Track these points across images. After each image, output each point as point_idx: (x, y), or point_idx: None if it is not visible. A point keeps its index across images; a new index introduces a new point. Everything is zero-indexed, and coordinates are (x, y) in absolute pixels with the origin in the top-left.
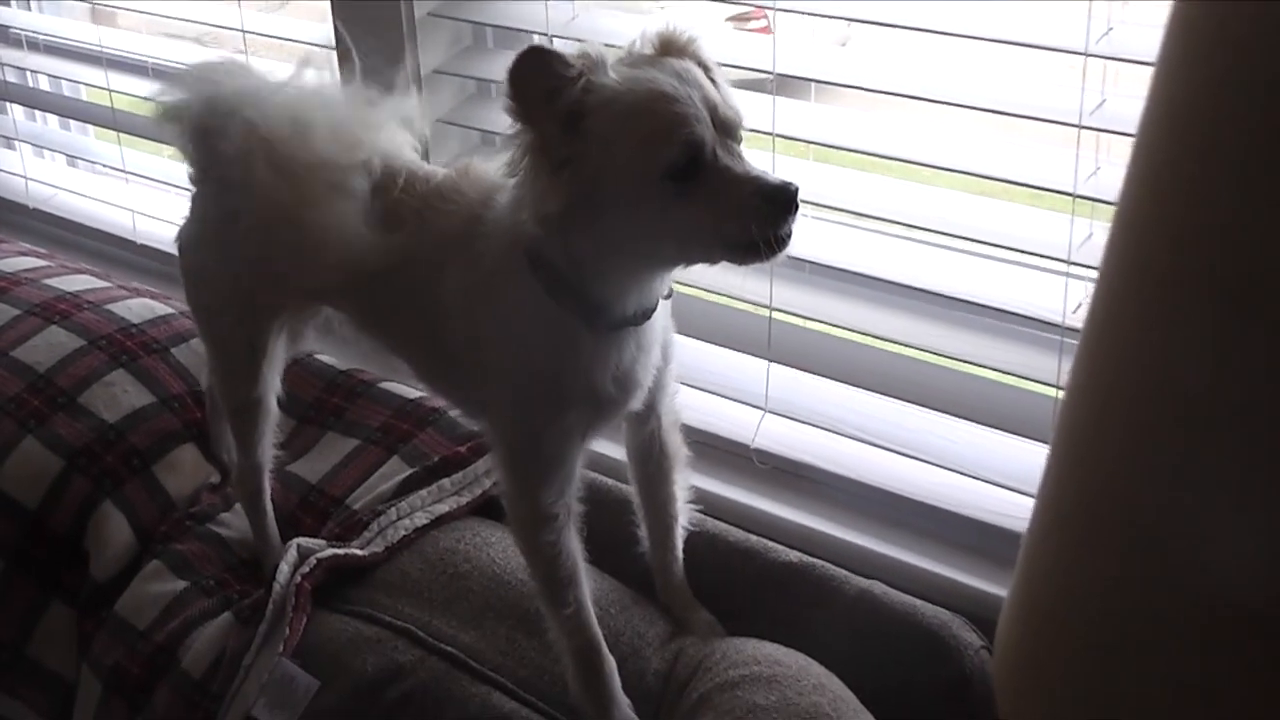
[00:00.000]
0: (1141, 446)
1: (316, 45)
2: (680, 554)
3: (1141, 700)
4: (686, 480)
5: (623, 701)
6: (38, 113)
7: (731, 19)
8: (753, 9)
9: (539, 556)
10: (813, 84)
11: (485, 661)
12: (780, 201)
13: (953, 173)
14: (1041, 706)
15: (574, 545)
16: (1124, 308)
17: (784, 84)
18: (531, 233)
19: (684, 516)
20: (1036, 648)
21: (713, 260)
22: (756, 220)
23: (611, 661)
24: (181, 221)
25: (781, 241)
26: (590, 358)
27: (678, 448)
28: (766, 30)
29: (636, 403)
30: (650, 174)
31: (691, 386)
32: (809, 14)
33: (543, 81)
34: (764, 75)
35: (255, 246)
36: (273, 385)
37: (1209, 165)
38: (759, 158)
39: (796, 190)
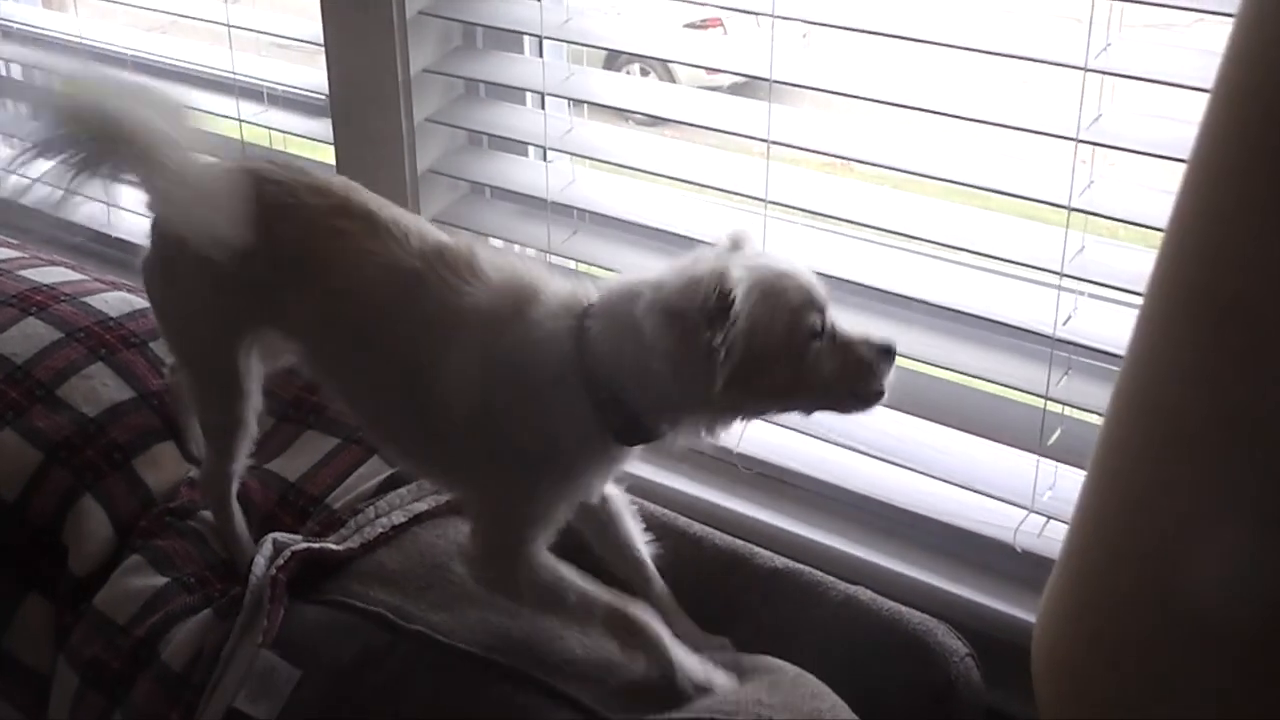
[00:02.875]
0: (1176, 484)
1: (303, 41)
2: (661, 582)
3: (1180, 708)
4: (632, 511)
5: (677, 646)
6: (9, 102)
7: (690, 25)
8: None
9: (519, 590)
10: (790, 89)
11: (453, 635)
12: (890, 355)
13: (948, 183)
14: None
15: (548, 558)
16: (1165, 329)
17: (757, 89)
18: (609, 373)
19: (646, 546)
20: (1074, 657)
21: (836, 407)
22: (876, 372)
23: (648, 612)
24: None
25: (880, 394)
26: (614, 461)
27: (612, 491)
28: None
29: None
30: (800, 341)
31: None
32: (795, 19)
33: (717, 305)
34: (750, 79)
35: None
36: (253, 405)
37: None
38: (751, 164)
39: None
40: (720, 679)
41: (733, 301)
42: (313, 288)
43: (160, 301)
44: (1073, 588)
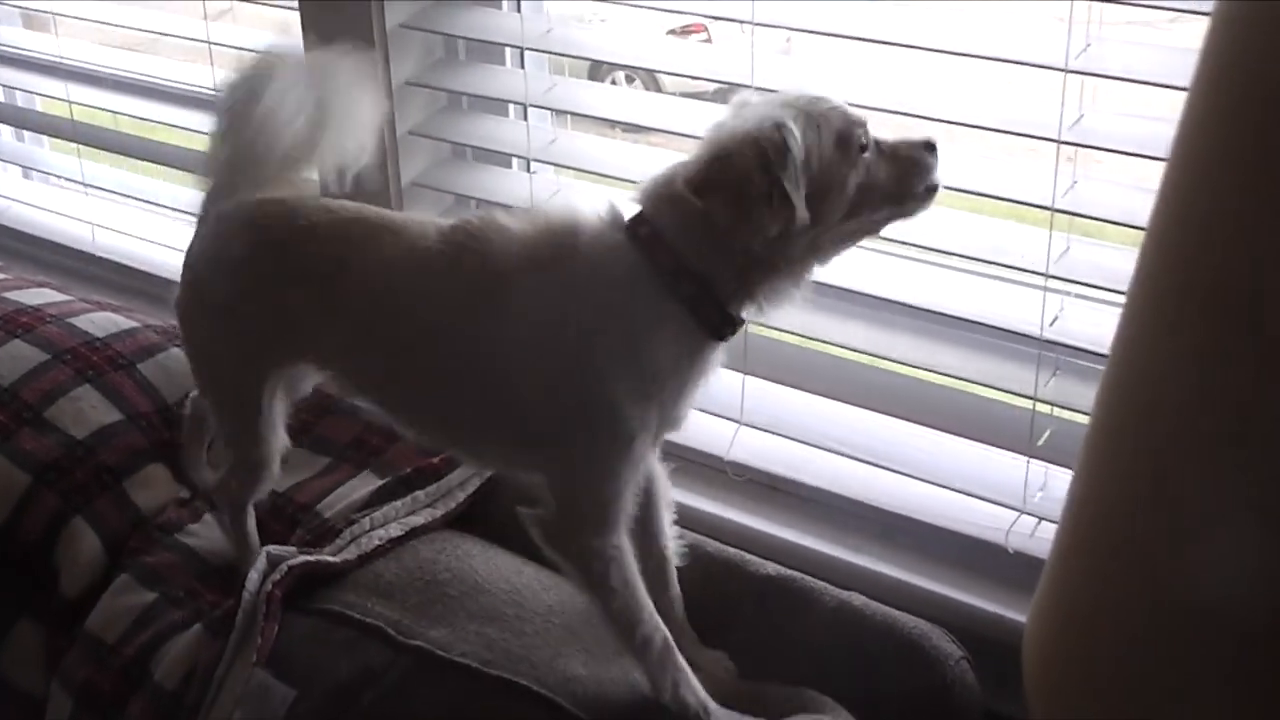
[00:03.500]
0: (1164, 481)
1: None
2: (678, 590)
3: (1170, 710)
4: (672, 509)
5: (708, 695)
6: None
7: (673, 31)
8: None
9: (609, 566)
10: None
11: (451, 650)
12: (933, 148)
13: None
14: (1071, 714)
15: (630, 548)
16: (1148, 326)
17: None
18: (684, 250)
19: (676, 549)
20: (1065, 661)
21: (902, 212)
22: (927, 165)
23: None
24: (178, 287)
25: (935, 189)
26: (702, 363)
27: (662, 474)
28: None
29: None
30: (853, 153)
31: None
32: (776, 26)
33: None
34: (732, 87)
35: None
36: (277, 447)
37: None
38: None
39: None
40: None
41: (789, 135)
42: (343, 299)
43: (191, 339)
44: (1061, 589)
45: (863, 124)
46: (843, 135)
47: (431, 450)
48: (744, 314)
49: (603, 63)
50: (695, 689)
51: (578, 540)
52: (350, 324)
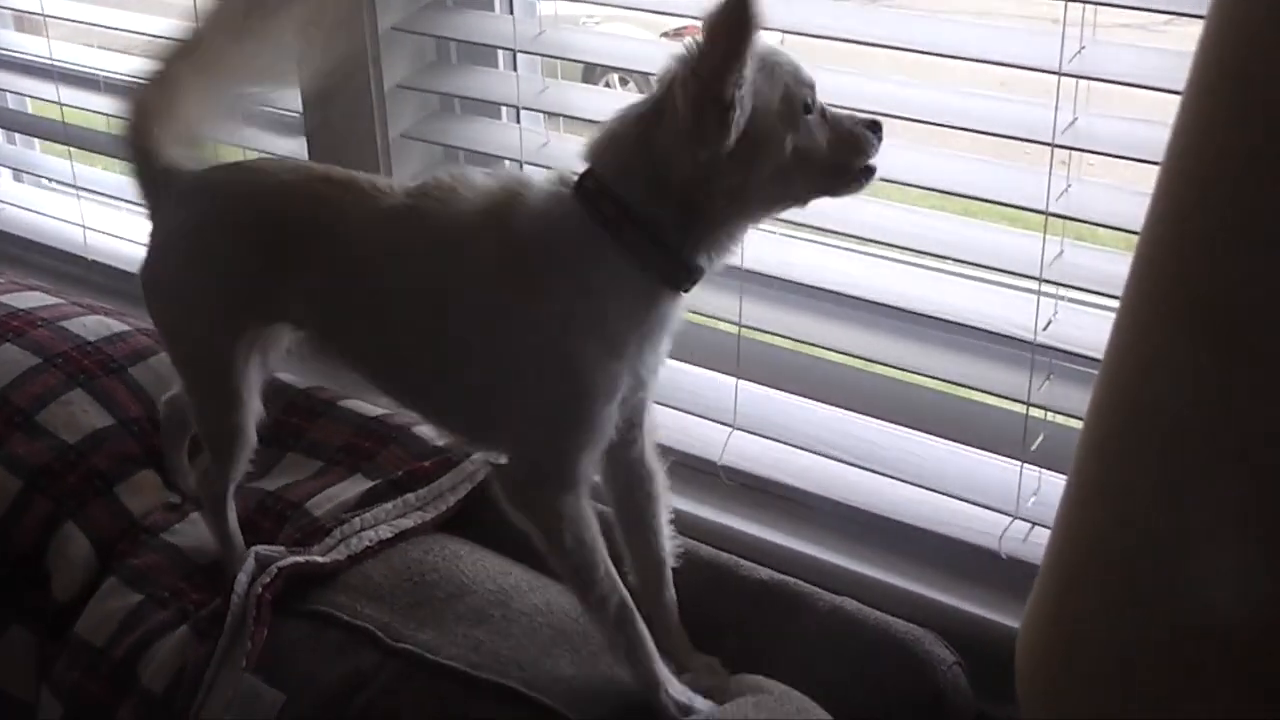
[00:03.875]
0: (1157, 487)
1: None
2: (673, 592)
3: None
4: (669, 505)
5: (664, 668)
6: None
7: (667, 33)
8: (689, 24)
9: (563, 523)
10: None
11: (440, 653)
12: (878, 129)
13: (924, 189)
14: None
15: (591, 508)
16: (1141, 331)
17: None
18: (625, 194)
19: (672, 551)
20: (1059, 666)
21: (834, 187)
22: (865, 144)
23: (645, 628)
24: (145, 259)
25: (871, 171)
26: (661, 316)
27: (659, 471)
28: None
29: (645, 393)
30: (796, 112)
31: (659, 403)
32: (769, 28)
33: (745, 37)
34: None
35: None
36: (253, 410)
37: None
38: None
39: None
40: (701, 703)
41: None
42: (312, 256)
43: (159, 309)
44: (1055, 594)
45: (811, 85)
46: (790, 89)
47: (422, 454)
48: (697, 261)
49: (596, 65)
50: (650, 658)
51: (535, 496)
52: (319, 282)
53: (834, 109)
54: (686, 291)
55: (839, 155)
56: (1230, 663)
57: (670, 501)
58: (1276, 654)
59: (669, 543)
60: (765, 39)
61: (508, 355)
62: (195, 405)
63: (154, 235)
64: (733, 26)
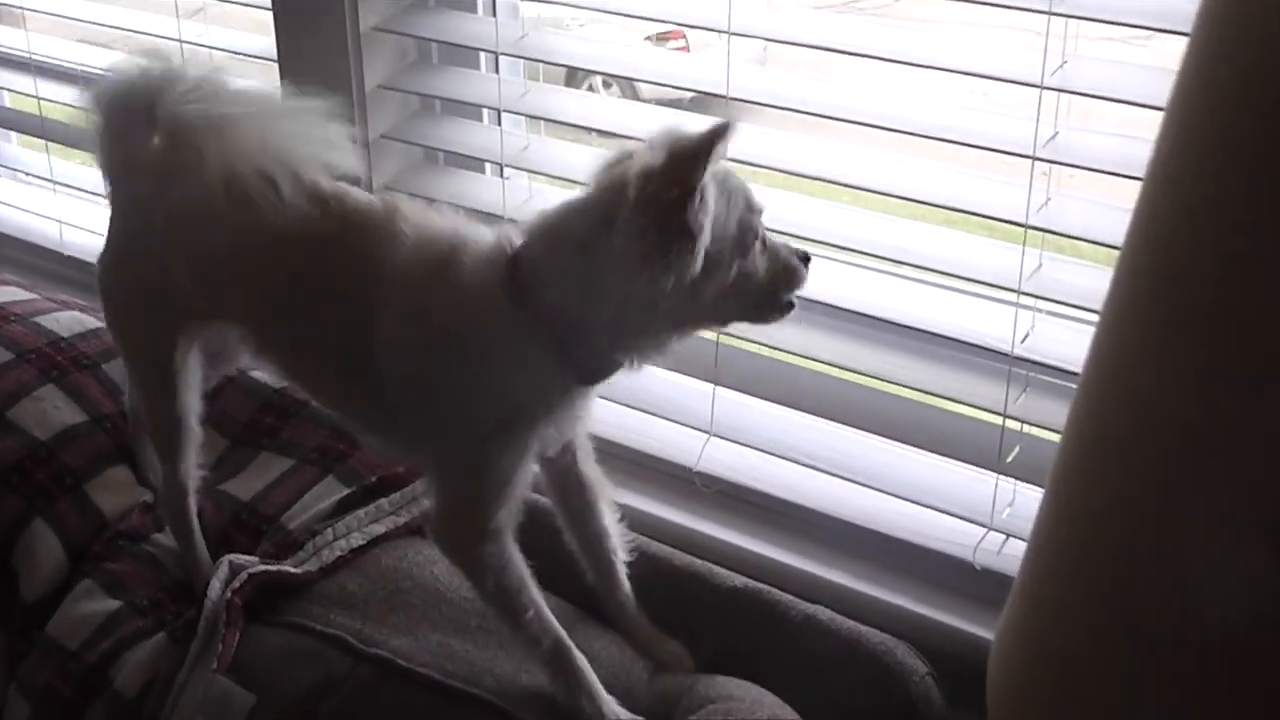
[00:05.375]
0: (1133, 502)
1: (256, 57)
2: (628, 587)
3: None
4: (614, 508)
5: (607, 694)
6: None
7: (651, 37)
8: (672, 28)
9: (484, 570)
10: (747, 105)
11: (413, 660)
12: (808, 261)
13: (904, 200)
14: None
15: (518, 554)
16: (1121, 345)
17: (714, 104)
18: (552, 298)
19: (622, 546)
20: (1031, 682)
21: (757, 315)
22: (797, 277)
23: (583, 657)
24: (101, 255)
25: (793, 305)
26: (571, 404)
27: (598, 476)
28: (685, 50)
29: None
30: (747, 240)
31: (636, 409)
32: (752, 36)
33: (700, 169)
34: (709, 95)
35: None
36: (192, 406)
37: (1205, 206)
38: None
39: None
40: None
41: (703, 183)
42: (236, 265)
43: (109, 296)
44: (1029, 608)
45: (760, 211)
46: (745, 218)
47: (395, 459)
48: (613, 363)
49: (579, 70)
50: (594, 695)
51: (457, 539)
52: (243, 290)
53: (772, 239)
54: (597, 384)
55: (773, 285)
56: (1212, 677)
57: (614, 501)
58: (1263, 668)
59: (618, 541)
60: (725, 167)
61: (420, 408)
62: (140, 395)
63: (110, 225)
64: (700, 156)
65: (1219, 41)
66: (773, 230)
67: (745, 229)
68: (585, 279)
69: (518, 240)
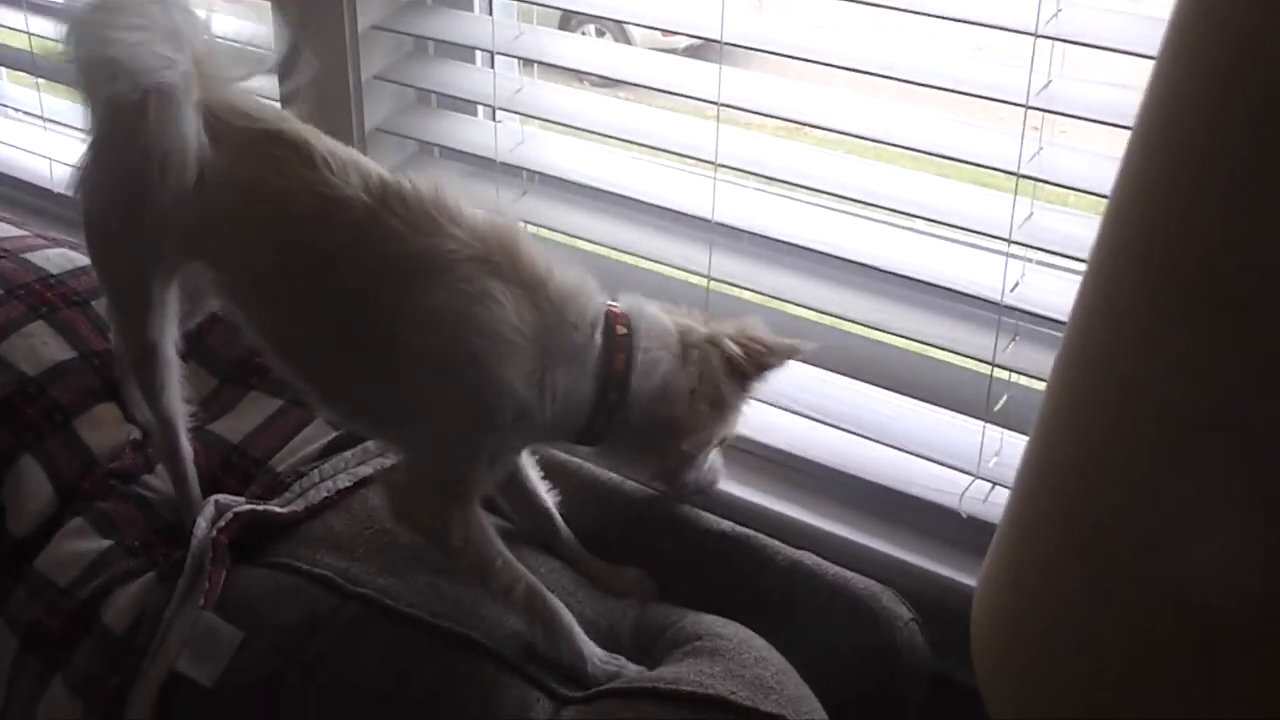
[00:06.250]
0: (1115, 453)
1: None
2: (567, 530)
3: (1115, 695)
4: (534, 463)
5: (583, 634)
6: None
7: None
8: None
9: (449, 531)
10: (744, 52)
11: (400, 600)
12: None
13: (896, 148)
14: (1019, 698)
15: (480, 509)
16: (1104, 316)
17: (710, 51)
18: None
19: (547, 492)
20: (1013, 627)
21: (666, 482)
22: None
23: (557, 600)
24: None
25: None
26: (556, 444)
27: None
28: None
29: None
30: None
31: None
32: None
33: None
34: (705, 41)
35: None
36: (168, 333)
37: (1193, 184)
38: (701, 126)
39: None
40: (631, 670)
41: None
42: (239, 213)
43: (91, 223)
44: (1010, 556)
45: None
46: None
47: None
48: (600, 443)
49: (573, 13)
50: (571, 635)
51: (422, 504)
52: (241, 237)
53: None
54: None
55: (708, 471)
56: (1191, 625)
57: (533, 463)
58: (1241, 616)
59: (547, 495)
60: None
61: (425, 388)
62: (115, 324)
63: (93, 151)
64: (783, 358)
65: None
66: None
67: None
68: (664, 385)
69: (600, 293)
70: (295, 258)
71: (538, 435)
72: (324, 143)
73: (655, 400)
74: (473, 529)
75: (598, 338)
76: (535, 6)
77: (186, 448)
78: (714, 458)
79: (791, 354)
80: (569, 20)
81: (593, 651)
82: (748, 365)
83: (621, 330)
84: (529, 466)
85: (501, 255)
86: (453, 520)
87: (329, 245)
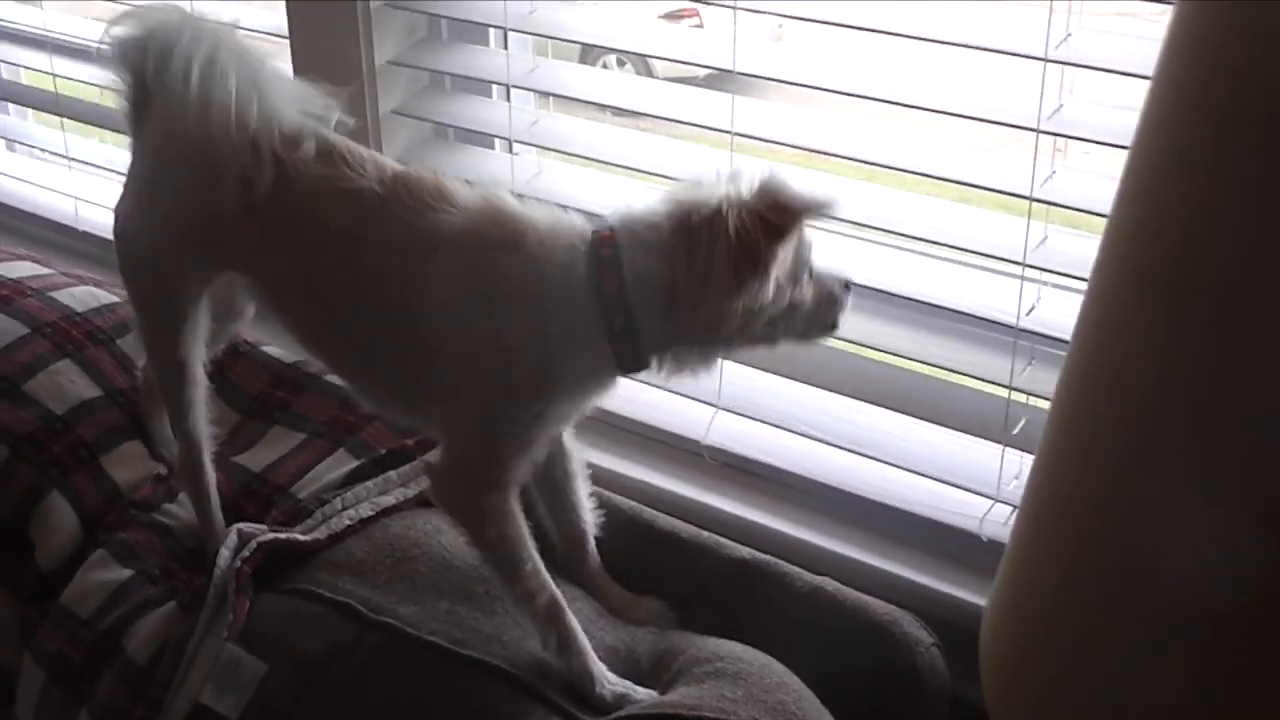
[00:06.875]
0: (1114, 452)
1: (267, 34)
2: (598, 558)
3: (1122, 694)
4: (587, 481)
5: (594, 655)
6: None
7: (665, 16)
8: (686, 6)
9: (485, 519)
10: (761, 81)
11: (421, 628)
12: (850, 289)
13: (910, 174)
14: (1027, 704)
15: (519, 509)
16: (1106, 318)
17: (728, 81)
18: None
19: (593, 519)
20: (1021, 648)
21: (805, 337)
22: (840, 303)
23: (575, 619)
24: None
25: (836, 327)
26: (601, 388)
27: (575, 449)
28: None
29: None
30: (800, 271)
31: (645, 383)
32: (761, 11)
33: (799, 223)
34: (720, 72)
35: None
36: (197, 352)
37: (1177, 178)
38: (715, 155)
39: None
40: (641, 695)
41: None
42: (265, 215)
43: (124, 239)
44: (1017, 575)
45: (811, 245)
46: (801, 253)
47: (407, 430)
48: (653, 362)
49: (594, 46)
50: (583, 653)
51: (462, 491)
52: (273, 240)
53: (817, 266)
54: (627, 376)
55: (819, 311)
56: (1195, 636)
57: (586, 473)
58: (1239, 626)
59: (590, 514)
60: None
61: (455, 365)
62: (145, 342)
63: (130, 168)
64: (805, 213)
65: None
66: None
67: (801, 263)
68: (664, 288)
69: (584, 224)
70: (319, 246)
71: (568, 389)
72: (342, 142)
73: (668, 308)
74: (508, 524)
75: (583, 269)
76: (551, 41)
77: (210, 470)
78: (814, 290)
79: (804, 212)
80: (589, 52)
81: (603, 674)
82: (757, 236)
83: (607, 252)
84: (580, 479)
85: (488, 221)
86: (489, 509)
87: (349, 231)
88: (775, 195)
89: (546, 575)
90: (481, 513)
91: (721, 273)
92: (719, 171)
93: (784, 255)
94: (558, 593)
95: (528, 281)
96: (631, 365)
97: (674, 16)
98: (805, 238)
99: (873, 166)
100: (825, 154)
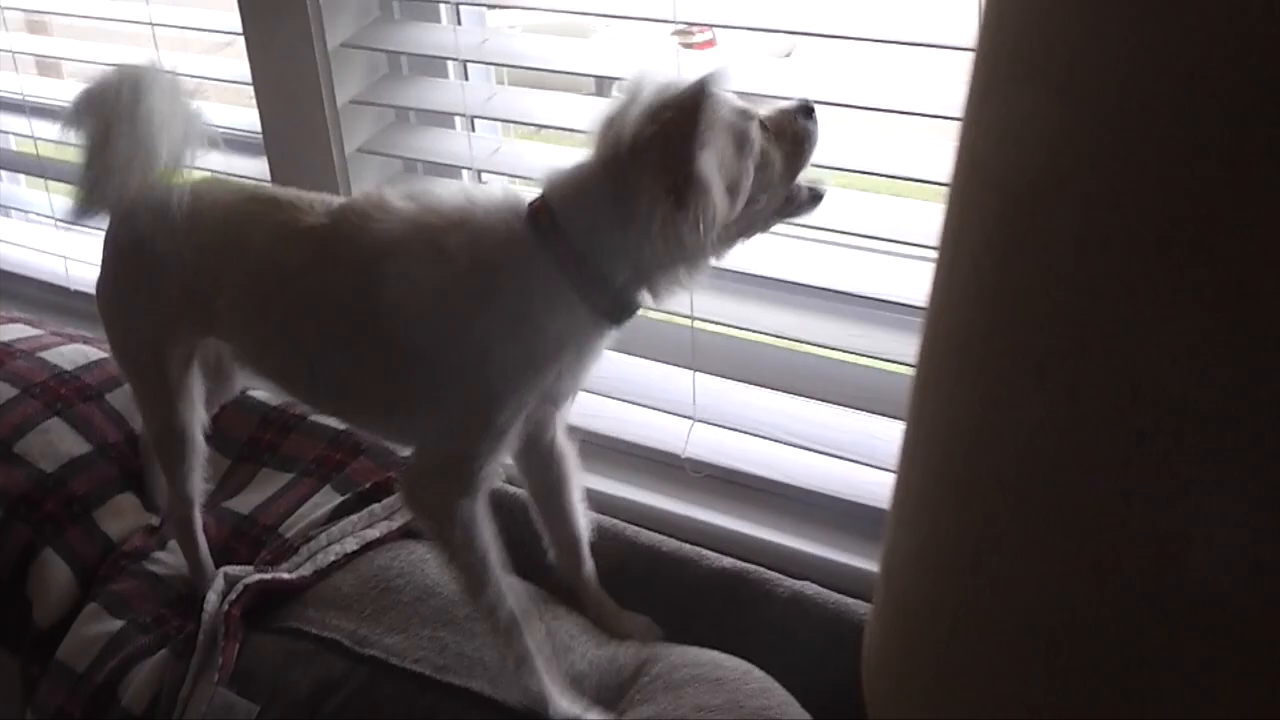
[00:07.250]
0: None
1: (226, 32)
2: (592, 566)
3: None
4: (582, 488)
5: (553, 687)
6: None
7: (676, 34)
8: (697, 26)
9: (454, 524)
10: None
11: (405, 657)
12: (811, 111)
13: (896, 179)
14: (910, 706)
15: (488, 518)
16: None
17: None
18: (584, 243)
19: (587, 527)
20: (903, 649)
21: (792, 208)
22: (809, 134)
23: (539, 638)
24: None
25: (820, 197)
26: (593, 346)
27: (570, 453)
28: (710, 44)
29: (558, 403)
30: (747, 148)
31: (620, 400)
32: (756, 29)
33: (698, 130)
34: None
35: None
36: (194, 418)
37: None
38: None
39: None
40: (594, 716)
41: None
42: (230, 273)
43: (110, 318)
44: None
45: (752, 115)
46: (739, 132)
47: (389, 464)
48: (640, 300)
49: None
50: (537, 674)
51: (433, 494)
52: (240, 298)
53: (769, 117)
54: (621, 325)
55: (793, 160)
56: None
57: (582, 480)
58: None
59: (583, 520)
60: (682, 80)
61: (427, 370)
62: (141, 412)
63: (104, 248)
64: (696, 118)
65: None
66: None
67: (743, 142)
68: (617, 239)
69: (520, 192)
70: (281, 288)
71: (552, 355)
72: (292, 192)
73: (630, 253)
74: (476, 533)
75: (529, 239)
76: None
77: (199, 523)
78: (777, 153)
79: (700, 99)
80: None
81: (557, 702)
82: (673, 152)
83: (545, 222)
84: (575, 482)
85: (425, 212)
86: (458, 511)
87: (306, 266)
88: (670, 101)
89: (508, 592)
90: (451, 517)
91: (660, 205)
92: (624, 99)
93: (713, 153)
94: (519, 612)
95: (485, 255)
96: (620, 316)
97: (683, 33)
98: (738, 109)
99: (853, 173)
100: (831, 169)
